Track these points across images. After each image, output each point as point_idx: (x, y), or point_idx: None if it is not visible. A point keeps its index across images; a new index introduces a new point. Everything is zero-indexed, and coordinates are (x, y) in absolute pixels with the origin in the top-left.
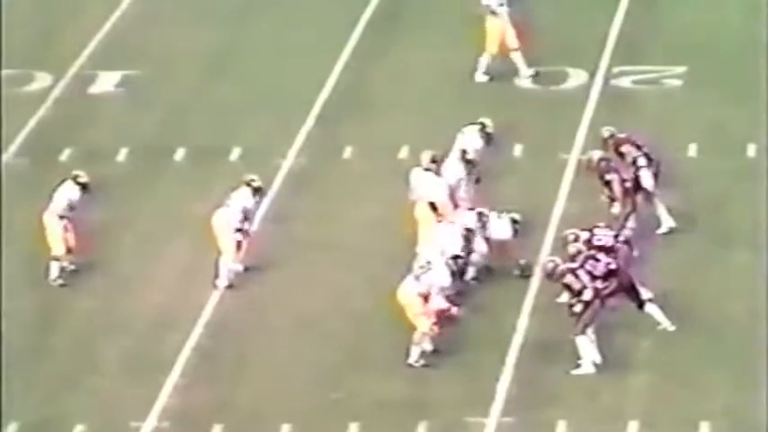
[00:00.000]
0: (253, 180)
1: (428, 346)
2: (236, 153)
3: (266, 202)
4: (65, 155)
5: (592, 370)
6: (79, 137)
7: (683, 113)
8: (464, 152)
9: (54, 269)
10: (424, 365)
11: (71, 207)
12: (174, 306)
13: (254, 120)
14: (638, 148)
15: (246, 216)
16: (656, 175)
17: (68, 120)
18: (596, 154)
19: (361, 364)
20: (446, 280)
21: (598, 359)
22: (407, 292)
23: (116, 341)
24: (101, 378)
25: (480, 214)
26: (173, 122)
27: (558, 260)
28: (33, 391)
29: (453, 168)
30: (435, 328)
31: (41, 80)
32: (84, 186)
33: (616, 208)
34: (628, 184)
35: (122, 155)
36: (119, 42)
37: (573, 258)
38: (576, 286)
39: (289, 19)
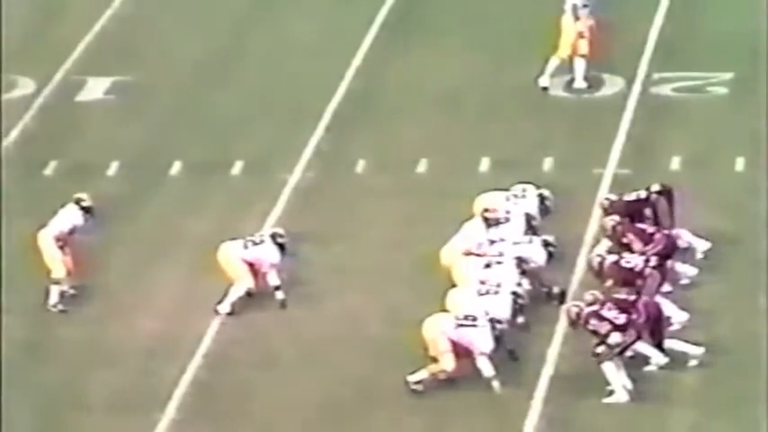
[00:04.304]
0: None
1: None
2: (237, 167)
3: (271, 220)
4: (50, 168)
5: (625, 397)
6: (65, 149)
7: (729, 124)
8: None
9: (54, 294)
10: (416, 388)
11: (72, 232)
12: (169, 335)
13: (256, 130)
14: (646, 241)
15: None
16: (671, 211)
17: (54, 130)
18: (609, 222)
19: (374, 398)
20: (488, 346)
21: (629, 385)
22: (438, 330)
23: (104, 374)
24: (87, 415)
25: (520, 261)
26: (168, 133)
27: (582, 304)
28: (12, 430)
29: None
30: (458, 370)
31: (24, 86)
32: (87, 210)
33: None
34: (650, 230)
35: (113, 169)
36: (109, 45)
37: (591, 304)
38: (602, 330)
39: (295, 20)
